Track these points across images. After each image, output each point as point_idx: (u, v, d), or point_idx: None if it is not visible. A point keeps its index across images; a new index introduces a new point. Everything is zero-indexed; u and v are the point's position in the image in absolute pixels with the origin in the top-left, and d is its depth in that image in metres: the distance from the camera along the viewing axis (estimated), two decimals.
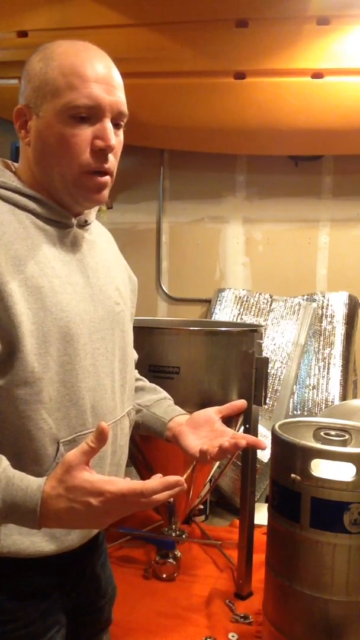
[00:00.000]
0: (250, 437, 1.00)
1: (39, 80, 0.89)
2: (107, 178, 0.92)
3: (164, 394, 1.21)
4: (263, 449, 1.02)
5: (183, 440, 1.04)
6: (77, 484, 0.75)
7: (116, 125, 0.92)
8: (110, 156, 0.91)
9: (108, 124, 0.89)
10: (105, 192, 0.94)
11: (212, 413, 1.06)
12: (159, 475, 0.80)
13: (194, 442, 1.02)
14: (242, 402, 1.08)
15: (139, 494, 0.74)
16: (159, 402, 1.16)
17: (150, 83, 2.71)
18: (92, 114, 0.88)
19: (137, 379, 1.21)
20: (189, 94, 2.73)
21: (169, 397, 1.21)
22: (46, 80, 0.88)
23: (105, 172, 0.91)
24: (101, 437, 0.75)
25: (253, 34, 2.56)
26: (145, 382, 1.23)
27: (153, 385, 1.24)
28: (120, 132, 0.94)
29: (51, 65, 0.88)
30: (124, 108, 0.92)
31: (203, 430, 1.04)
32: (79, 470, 0.75)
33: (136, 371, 1.21)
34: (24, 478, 0.79)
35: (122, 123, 0.93)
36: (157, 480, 0.76)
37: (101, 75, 0.88)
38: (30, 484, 0.78)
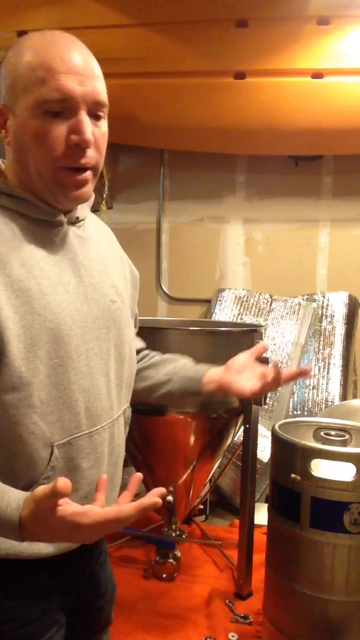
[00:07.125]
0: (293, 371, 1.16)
1: (11, 78, 0.87)
2: (86, 174, 0.88)
3: (185, 358, 1.24)
4: (309, 375, 1.11)
5: (234, 386, 1.14)
6: (51, 523, 0.74)
7: (96, 117, 0.88)
8: (90, 150, 0.87)
9: (83, 116, 0.85)
10: (86, 189, 0.90)
11: (246, 357, 1.19)
12: (139, 475, 0.83)
13: (245, 383, 1.14)
14: (262, 345, 1.26)
15: (114, 521, 0.74)
16: (185, 366, 1.21)
17: (150, 83, 2.71)
18: (65, 107, 0.84)
19: (151, 356, 1.23)
20: (189, 94, 2.73)
21: (190, 358, 1.25)
22: (17, 77, 0.85)
23: (84, 168, 0.88)
24: (58, 492, 0.71)
25: (253, 34, 2.56)
26: (162, 355, 1.24)
27: (170, 355, 1.25)
28: (102, 123, 0.90)
29: (21, 61, 0.85)
30: (101, 97, 0.87)
31: (246, 374, 1.16)
32: (50, 509, 0.73)
33: (149, 350, 1.25)
34: (4, 496, 0.77)
35: (101, 114, 0.89)
36: (132, 505, 0.75)
37: (72, 66, 0.84)
38: (10, 503, 0.77)
